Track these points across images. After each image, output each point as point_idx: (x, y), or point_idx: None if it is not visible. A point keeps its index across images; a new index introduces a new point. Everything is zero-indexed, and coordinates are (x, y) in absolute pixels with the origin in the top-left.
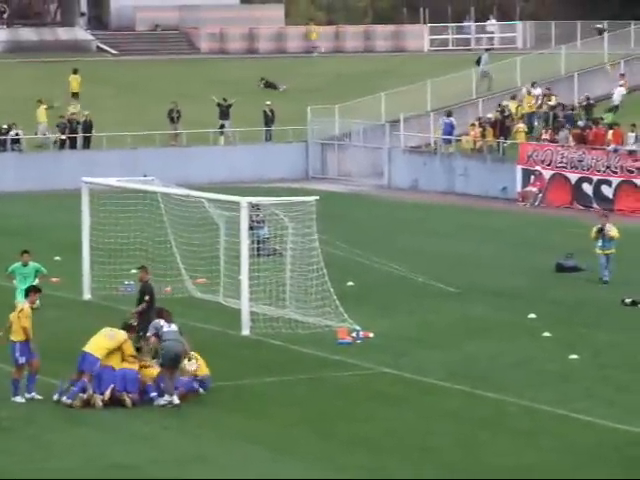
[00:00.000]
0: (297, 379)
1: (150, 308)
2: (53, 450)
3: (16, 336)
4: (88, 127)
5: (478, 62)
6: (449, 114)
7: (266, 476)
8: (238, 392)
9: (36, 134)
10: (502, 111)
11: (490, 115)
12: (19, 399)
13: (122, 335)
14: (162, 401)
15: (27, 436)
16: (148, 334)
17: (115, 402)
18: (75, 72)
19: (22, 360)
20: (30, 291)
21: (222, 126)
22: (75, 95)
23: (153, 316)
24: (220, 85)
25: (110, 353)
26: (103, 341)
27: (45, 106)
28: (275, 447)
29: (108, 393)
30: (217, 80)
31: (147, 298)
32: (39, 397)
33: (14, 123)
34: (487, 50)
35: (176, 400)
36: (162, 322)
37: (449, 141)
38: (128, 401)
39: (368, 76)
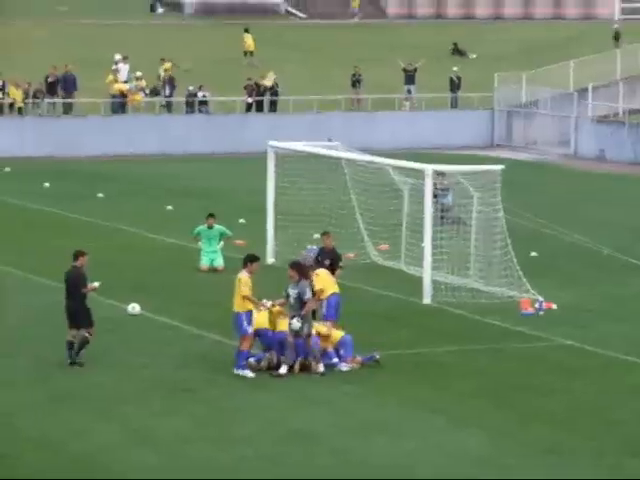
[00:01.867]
0: (478, 349)
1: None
2: (233, 415)
3: (239, 307)
4: (275, 91)
5: None
6: None
7: (444, 445)
8: (419, 360)
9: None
10: None
11: None
12: (249, 373)
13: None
14: (344, 367)
15: (207, 399)
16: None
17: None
18: (247, 31)
19: (250, 330)
20: (249, 260)
21: (408, 91)
22: (250, 53)
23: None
24: (406, 50)
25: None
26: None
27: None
28: (454, 417)
29: (297, 367)
30: (403, 45)
31: (341, 264)
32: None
33: (202, 85)
34: None
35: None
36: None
37: (638, 111)
38: (321, 368)
39: (557, 43)
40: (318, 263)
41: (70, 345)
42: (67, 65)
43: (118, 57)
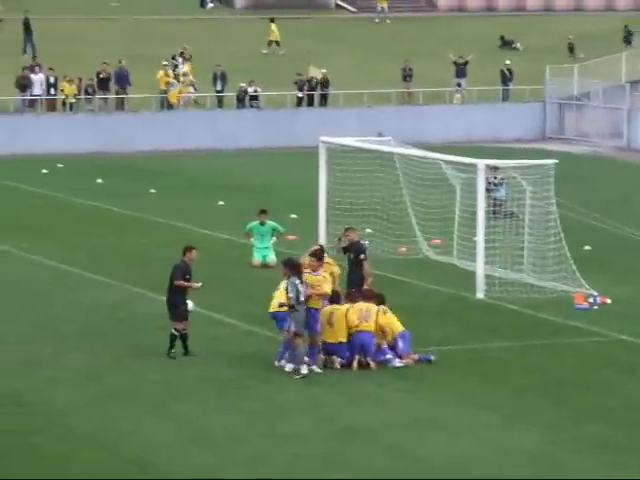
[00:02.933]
0: (532, 344)
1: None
2: (286, 411)
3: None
4: (325, 85)
5: None
6: None
7: (499, 442)
8: (472, 356)
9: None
10: None
11: None
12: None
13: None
14: (397, 363)
15: (260, 396)
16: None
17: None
18: (272, 21)
19: (318, 328)
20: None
21: (458, 84)
22: (276, 43)
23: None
24: (457, 43)
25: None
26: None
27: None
28: (508, 413)
29: (355, 364)
30: (454, 38)
31: (362, 257)
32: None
33: (253, 80)
34: None
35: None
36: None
37: None
38: (373, 366)
39: (608, 35)
40: (345, 255)
41: (172, 337)
42: (121, 60)
43: (182, 50)
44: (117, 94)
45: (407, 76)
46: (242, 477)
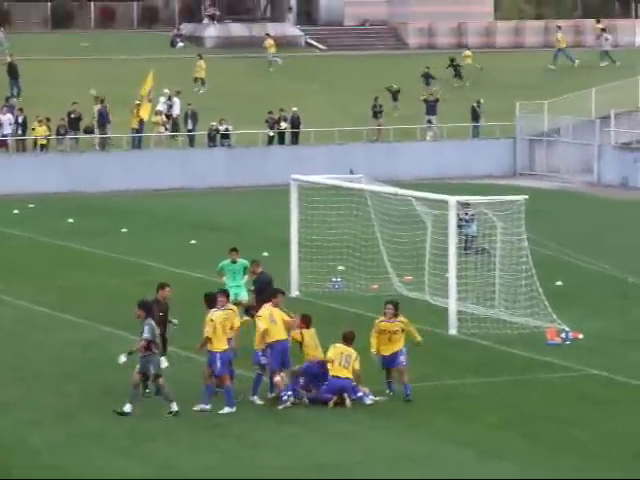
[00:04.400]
0: (505, 380)
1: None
2: (261, 448)
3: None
4: (296, 123)
5: None
6: None
7: (474, 477)
8: (445, 392)
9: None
10: None
11: None
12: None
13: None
14: (368, 400)
15: (233, 434)
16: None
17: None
18: (200, 57)
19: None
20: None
21: (429, 121)
22: (200, 80)
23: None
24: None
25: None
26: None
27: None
28: (482, 449)
29: (332, 404)
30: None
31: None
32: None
33: (223, 119)
34: None
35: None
36: None
37: None
38: (349, 403)
39: (577, 71)
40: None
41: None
42: (103, 100)
43: (167, 91)
44: (100, 133)
45: (377, 112)
46: None
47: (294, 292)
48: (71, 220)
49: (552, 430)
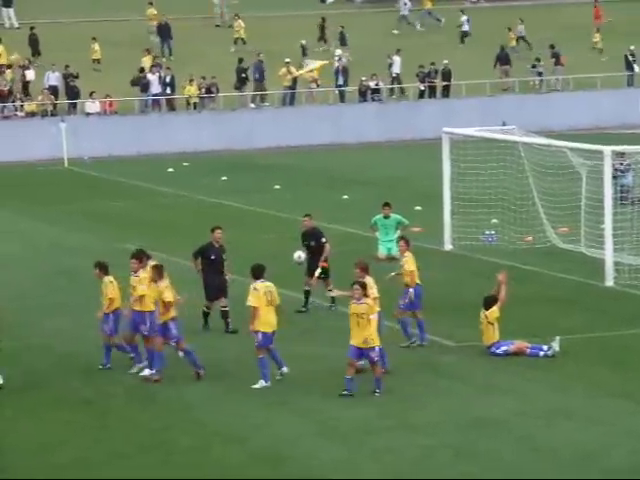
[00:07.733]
0: None
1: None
2: (415, 403)
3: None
4: (447, 76)
5: None
6: None
7: (637, 430)
8: (602, 344)
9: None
10: None
11: None
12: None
13: None
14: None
15: (389, 388)
16: None
17: None
18: (238, 17)
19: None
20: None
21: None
22: (241, 40)
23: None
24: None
25: None
26: None
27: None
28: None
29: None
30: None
31: (313, 244)
32: None
33: (374, 74)
34: None
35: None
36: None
37: None
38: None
39: None
40: (304, 246)
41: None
42: (259, 54)
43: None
44: (255, 88)
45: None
46: (375, 471)
47: (447, 246)
48: (225, 178)
49: None
